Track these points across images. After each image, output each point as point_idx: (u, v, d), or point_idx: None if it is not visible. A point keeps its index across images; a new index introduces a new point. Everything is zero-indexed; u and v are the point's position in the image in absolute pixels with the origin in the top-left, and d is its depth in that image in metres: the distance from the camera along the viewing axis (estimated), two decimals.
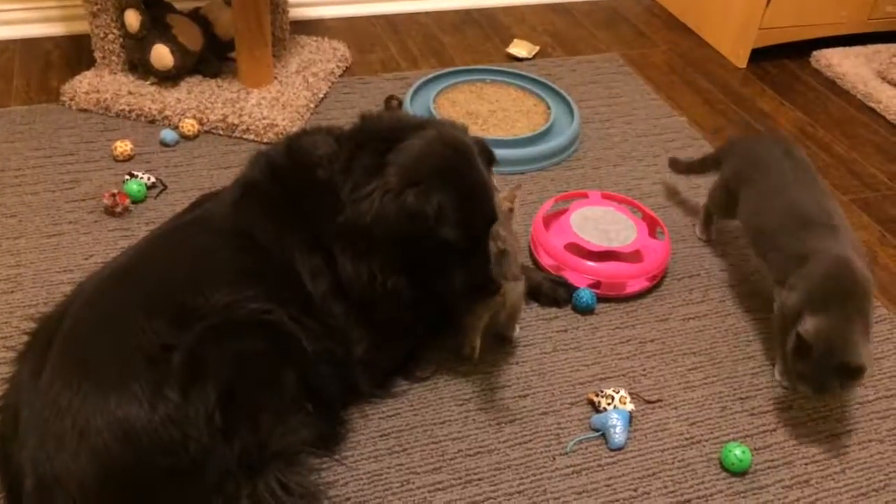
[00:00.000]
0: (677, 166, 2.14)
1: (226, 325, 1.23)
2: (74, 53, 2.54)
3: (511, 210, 1.55)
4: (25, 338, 1.35)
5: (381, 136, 1.43)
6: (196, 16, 2.39)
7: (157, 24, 2.27)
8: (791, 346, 1.50)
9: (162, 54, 2.24)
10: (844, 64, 2.79)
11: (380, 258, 1.40)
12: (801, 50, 2.88)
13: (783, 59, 2.88)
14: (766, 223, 1.72)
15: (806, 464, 1.50)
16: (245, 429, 1.21)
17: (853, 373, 1.46)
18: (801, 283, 1.56)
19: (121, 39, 2.30)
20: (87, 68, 2.37)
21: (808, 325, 1.47)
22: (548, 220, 1.93)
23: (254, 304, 1.28)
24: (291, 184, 1.45)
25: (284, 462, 1.25)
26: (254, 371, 1.24)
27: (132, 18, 2.22)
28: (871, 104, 2.66)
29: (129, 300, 1.26)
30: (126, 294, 1.28)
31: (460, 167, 1.43)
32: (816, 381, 1.49)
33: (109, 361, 1.17)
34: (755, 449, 1.51)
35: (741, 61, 2.83)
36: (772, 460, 1.50)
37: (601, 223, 1.88)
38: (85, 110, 2.27)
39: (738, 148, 1.92)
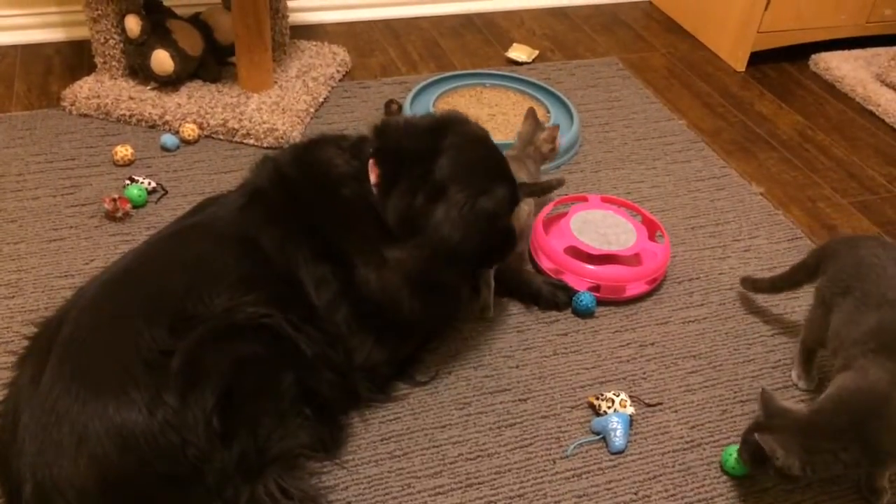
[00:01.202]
0: (758, 285, 1.82)
1: (224, 329, 1.24)
2: (75, 59, 2.55)
3: (553, 150, 1.81)
4: (26, 342, 1.35)
5: (411, 156, 1.46)
6: (196, 21, 2.40)
7: (158, 30, 2.27)
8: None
9: (162, 59, 2.25)
10: (843, 67, 2.80)
11: (457, 268, 1.49)
12: (800, 53, 2.89)
13: (782, 62, 2.89)
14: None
15: None
16: (243, 433, 1.21)
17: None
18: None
19: (121, 45, 2.30)
20: (88, 74, 2.38)
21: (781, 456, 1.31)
22: (547, 224, 1.93)
23: (252, 308, 1.28)
24: (304, 196, 1.46)
25: (283, 466, 1.25)
26: (252, 375, 1.25)
27: (133, 24, 2.23)
28: (870, 107, 2.66)
29: (128, 306, 1.26)
30: (126, 299, 1.28)
31: (496, 159, 1.54)
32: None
33: (108, 367, 1.18)
34: None
35: (740, 65, 2.84)
36: None
37: (601, 226, 1.88)
38: (85, 115, 2.27)
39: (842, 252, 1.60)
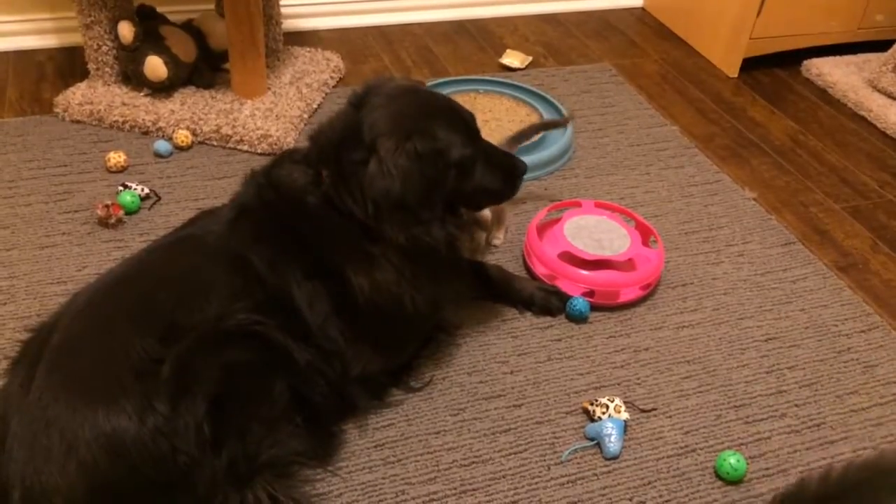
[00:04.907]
0: None
1: (215, 336, 1.23)
2: (68, 65, 2.54)
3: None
4: (18, 347, 1.34)
5: (344, 139, 1.41)
6: (190, 27, 2.40)
7: (151, 36, 2.27)
8: None
9: (155, 66, 2.24)
10: (835, 73, 2.81)
11: (423, 215, 1.40)
12: (792, 59, 2.90)
13: (774, 68, 2.90)
14: None
15: (801, 472, 1.50)
16: (234, 439, 1.20)
17: None
18: None
19: (114, 51, 2.30)
20: (81, 80, 2.37)
21: None
22: (541, 230, 1.93)
23: (244, 315, 1.27)
24: (282, 213, 1.43)
25: (274, 473, 1.24)
26: (243, 382, 1.24)
27: (126, 30, 2.23)
28: (862, 113, 2.67)
29: (120, 314, 1.25)
30: (117, 308, 1.27)
31: (428, 101, 1.47)
32: None
33: (98, 375, 1.17)
34: (750, 457, 1.51)
35: (732, 70, 2.85)
36: (766, 468, 1.50)
37: (594, 232, 1.88)
38: (78, 122, 2.26)
39: None
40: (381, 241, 1.40)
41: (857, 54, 2.93)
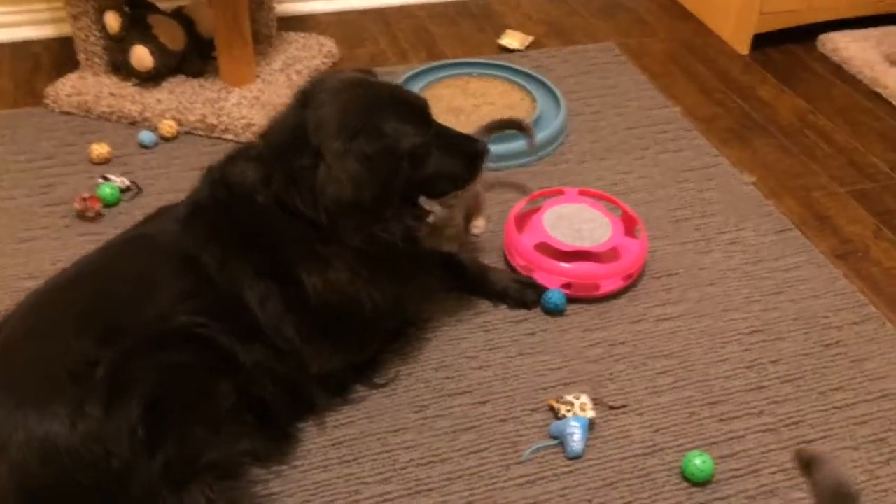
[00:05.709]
0: None
1: (153, 338, 1.22)
2: (63, 56, 2.54)
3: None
4: None
5: (291, 138, 1.38)
6: (179, 15, 2.38)
7: (138, 25, 2.26)
8: None
9: (141, 55, 2.24)
10: (851, 48, 2.68)
11: (381, 213, 1.38)
12: (809, 34, 2.76)
13: (789, 44, 2.77)
14: None
15: (773, 472, 1.44)
16: (170, 442, 1.19)
17: None
18: None
19: (102, 41, 2.30)
20: (74, 71, 2.37)
21: None
22: (521, 220, 1.88)
23: (186, 317, 1.26)
24: (234, 212, 1.40)
25: (217, 474, 1.23)
26: (181, 383, 1.22)
27: (112, 20, 2.22)
28: (878, 89, 2.54)
29: (63, 315, 1.25)
30: (62, 308, 1.27)
31: (373, 94, 1.43)
32: None
33: (34, 377, 1.17)
34: (721, 457, 1.45)
35: (743, 47, 2.73)
36: (737, 469, 1.44)
37: (575, 221, 1.82)
38: (67, 113, 2.27)
39: None
40: (334, 241, 1.38)
41: (878, 27, 2.78)
